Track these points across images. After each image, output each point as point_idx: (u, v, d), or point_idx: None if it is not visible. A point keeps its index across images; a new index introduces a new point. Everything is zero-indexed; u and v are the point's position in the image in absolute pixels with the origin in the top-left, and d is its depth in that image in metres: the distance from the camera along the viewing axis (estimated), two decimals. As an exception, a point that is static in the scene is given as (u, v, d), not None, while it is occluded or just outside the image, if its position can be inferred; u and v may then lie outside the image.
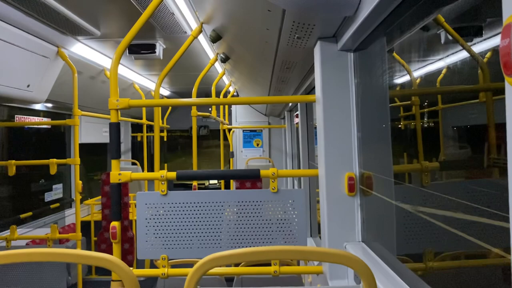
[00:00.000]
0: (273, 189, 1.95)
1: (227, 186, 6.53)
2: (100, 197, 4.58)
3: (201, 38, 3.38)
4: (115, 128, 1.97)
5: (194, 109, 3.57)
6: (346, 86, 1.81)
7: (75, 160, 3.64)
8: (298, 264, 3.08)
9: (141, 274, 1.99)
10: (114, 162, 1.98)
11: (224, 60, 3.15)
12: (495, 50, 1.00)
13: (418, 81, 1.51)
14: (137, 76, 5.08)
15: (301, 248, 1.02)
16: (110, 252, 1.58)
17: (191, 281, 1.00)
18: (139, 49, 3.48)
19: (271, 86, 3.67)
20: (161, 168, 2.75)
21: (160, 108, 3.25)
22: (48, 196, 4.96)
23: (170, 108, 7.08)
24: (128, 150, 7.44)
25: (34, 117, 4.70)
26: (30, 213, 4.20)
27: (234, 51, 2.90)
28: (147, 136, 6.59)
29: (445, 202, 1.24)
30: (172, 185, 7.20)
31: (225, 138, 5.93)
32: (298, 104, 4.07)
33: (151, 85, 5.64)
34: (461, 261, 1.29)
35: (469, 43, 1.15)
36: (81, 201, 4.21)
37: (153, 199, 1.98)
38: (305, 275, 2.95)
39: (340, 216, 1.81)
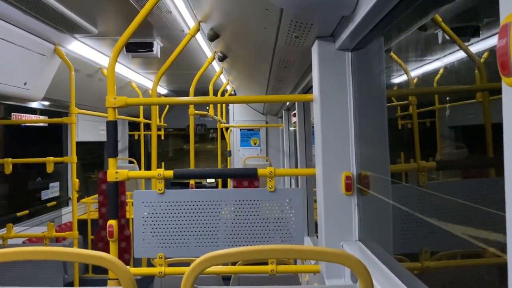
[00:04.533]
0: (270, 188, 1.95)
1: (225, 185, 6.53)
2: (97, 195, 4.57)
3: (198, 36, 3.37)
4: (112, 127, 1.96)
5: (191, 107, 3.56)
6: (344, 86, 1.81)
7: (72, 158, 3.62)
8: (295, 263, 3.08)
9: (138, 272, 1.99)
10: (111, 161, 1.98)
11: (221, 59, 3.14)
12: (492, 50, 1.00)
13: (415, 81, 1.52)
14: (134, 74, 5.07)
15: (298, 247, 1.02)
16: (107, 251, 1.58)
17: (188, 279, 1.00)
18: (137, 47, 3.47)
19: (268, 85, 3.67)
20: (158, 166, 2.75)
21: (157, 106, 3.24)
22: (45, 194, 4.94)
23: (167, 106, 7.07)
24: (125, 148, 7.42)
25: (30, 115, 4.68)
26: (26, 211, 4.18)
27: (231, 50, 2.90)
28: (144, 135, 6.57)
29: (442, 201, 1.25)
30: (169, 184, 7.19)
31: (223, 137, 5.93)
32: (296, 103, 4.07)
33: (148, 83, 5.63)
34: (457, 260, 1.29)
35: (466, 43, 1.15)
36: (78, 199, 4.19)
37: (150, 198, 1.97)
38: (302, 274, 2.95)
39: (337, 215, 1.82)
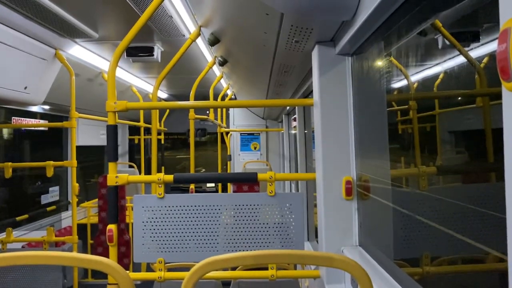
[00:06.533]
0: (270, 192, 1.94)
1: (225, 190, 6.52)
2: (96, 199, 4.56)
3: (199, 41, 3.39)
4: (112, 131, 1.96)
5: (191, 112, 3.57)
6: (344, 90, 1.82)
7: (72, 162, 3.62)
8: (295, 268, 3.07)
9: (137, 277, 1.98)
10: (111, 165, 1.98)
11: (222, 63, 3.15)
12: (492, 55, 1.00)
13: (415, 85, 1.52)
14: (135, 79, 5.08)
15: (298, 252, 1.02)
16: (107, 255, 1.58)
17: (187, 284, 1.00)
18: (137, 52, 3.48)
19: (269, 89, 3.67)
20: (158, 171, 2.75)
21: (157, 110, 3.24)
22: (45, 199, 4.93)
23: (167, 111, 7.08)
24: (125, 152, 7.42)
25: (31, 119, 4.69)
26: (26, 216, 4.17)
27: (232, 55, 2.90)
28: (144, 139, 6.57)
29: (442, 206, 1.24)
30: (169, 188, 7.19)
31: (223, 141, 5.93)
32: (296, 107, 4.08)
33: (149, 88, 5.64)
34: (458, 265, 1.29)
35: (466, 48, 1.15)
36: (78, 203, 4.18)
37: (150, 202, 1.97)
38: (302, 279, 2.94)
39: (337, 220, 1.81)
